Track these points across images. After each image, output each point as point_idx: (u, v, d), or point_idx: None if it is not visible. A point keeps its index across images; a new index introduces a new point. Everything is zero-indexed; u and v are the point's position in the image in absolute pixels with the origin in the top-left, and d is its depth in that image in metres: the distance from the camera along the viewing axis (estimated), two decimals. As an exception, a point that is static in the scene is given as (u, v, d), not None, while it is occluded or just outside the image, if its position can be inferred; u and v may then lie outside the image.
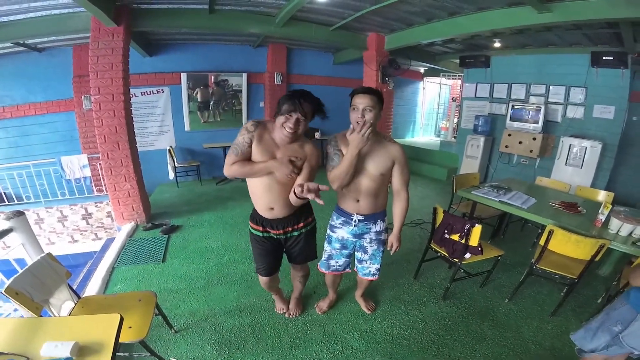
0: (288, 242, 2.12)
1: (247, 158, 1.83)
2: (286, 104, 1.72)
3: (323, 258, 2.35)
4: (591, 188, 4.02)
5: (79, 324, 1.45)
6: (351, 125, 1.85)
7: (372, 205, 2.05)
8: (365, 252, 2.23)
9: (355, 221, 2.09)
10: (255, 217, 2.03)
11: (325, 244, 2.31)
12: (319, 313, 2.62)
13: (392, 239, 2.14)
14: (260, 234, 2.05)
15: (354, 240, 2.19)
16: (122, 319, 1.38)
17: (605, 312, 1.71)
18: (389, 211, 2.13)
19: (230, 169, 1.83)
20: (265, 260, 2.13)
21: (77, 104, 5.73)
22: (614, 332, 1.62)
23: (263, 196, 1.91)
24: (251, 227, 2.08)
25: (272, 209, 1.94)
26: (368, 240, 2.18)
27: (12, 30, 3.95)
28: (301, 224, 2.07)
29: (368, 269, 2.30)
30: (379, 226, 2.15)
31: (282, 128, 1.76)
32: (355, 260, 2.34)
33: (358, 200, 2.03)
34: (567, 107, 5.53)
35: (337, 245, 2.24)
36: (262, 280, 2.26)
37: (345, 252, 2.26)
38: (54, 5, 3.64)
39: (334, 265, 2.33)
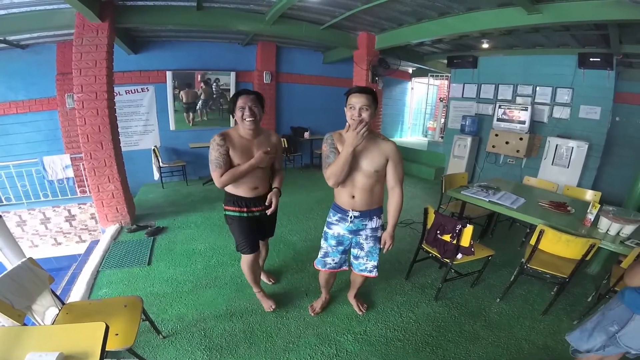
0: (265, 217, 2.39)
1: (230, 166, 2.13)
2: (234, 102, 2.10)
3: (319, 255, 2.35)
4: (578, 187, 4.07)
5: (63, 333, 1.38)
6: (347, 124, 1.92)
7: (367, 201, 2.06)
8: (362, 248, 2.24)
9: (350, 217, 2.10)
10: (236, 201, 2.28)
11: (322, 241, 2.32)
12: (312, 315, 2.59)
13: (386, 236, 2.15)
14: (245, 215, 2.30)
15: (350, 236, 2.19)
16: (107, 328, 1.31)
17: (601, 312, 1.72)
18: (386, 210, 2.15)
19: (221, 181, 2.11)
20: (250, 238, 2.33)
21: (60, 102, 5.56)
22: (610, 332, 1.63)
23: (248, 179, 2.21)
24: (230, 211, 2.30)
25: (257, 188, 2.27)
26: (364, 236, 2.19)
27: (-6, 26, 3.80)
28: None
29: (364, 265, 2.30)
30: (374, 222, 2.16)
31: (243, 121, 2.09)
32: (351, 257, 2.34)
33: (353, 197, 2.05)
34: (553, 107, 5.62)
35: (333, 242, 2.24)
36: (248, 259, 2.38)
37: (340, 248, 2.25)
38: (38, 1, 3.53)
39: (330, 263, 2.32)
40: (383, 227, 2.21)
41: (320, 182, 6.13)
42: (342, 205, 2.10)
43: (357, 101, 1.83)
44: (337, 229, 2.18)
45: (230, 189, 2.25)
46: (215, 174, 2.10)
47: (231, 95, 2.17)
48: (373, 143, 1.98)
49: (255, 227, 2.36)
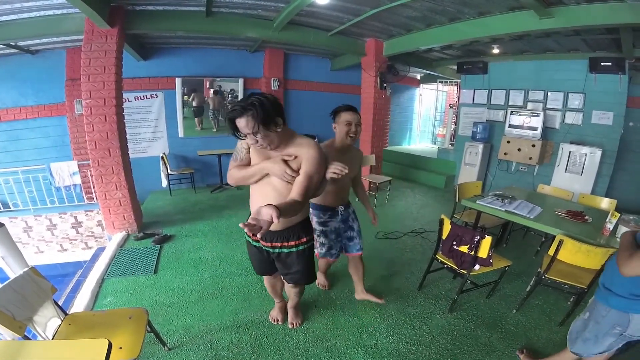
0: (277, 257, 2.01)
1: (247, 164, 1.84)
2: (231, 129, 1.63)
3: (324, 251, 2.59)
4: (594, 195, 3.97)
5: (65, 348, 1.34)
6: (336, 137, 2.30)
7: (347, 196, 2.57)
8: (353, 229, 2.61)
9: (340, 211, 2.52)
10: None
11: (322, 239, 2.55)
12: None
13: (372, 213, 2.69)
14: (251, 241, 2.04)
15: (343, 226, 2.59)
16: (110, 345, 1.25)
17: (593, 320, 1.70)
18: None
19: (230, 174, 1.86)
20: (256, 264, 2.19)
21: (69, 108, 5.58)
22: (616, 334, 1.63)
23: (258, 204, 1.67)
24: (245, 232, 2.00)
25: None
26: (351, 220, 2.61)
27: (4, 31, 3.84)
28: (292, 242, 1.94)
29: (358, 244, 2.64)
30: (351, 207, 2.65)
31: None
32: (346, 241, 2.64)
33: (342, 197, 2.51)
34: (565, 113, 5.51)
35: (333, 236, 2.56)
36: (264, 278, 2.37)
37: (339, 238, 2.62)
38: (48, 6, 3.54)
39: (335, 253, 2.63)
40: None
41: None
42: (330, 204, 2.46)
43: (352, 118, 2.23)
44: (333, 223, 2.53)
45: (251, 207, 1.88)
46: (230, 165, 1.87)
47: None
48: (355, 153, 2.50)
49: (261, 258, 2.06)
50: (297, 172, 1.70)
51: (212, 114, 6.57)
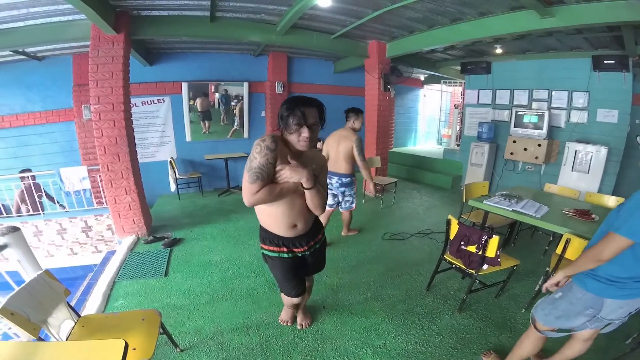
0: (311, 256, 2.03)
1: (270, 181, 1.63)
2: (291, 117, 1.57)
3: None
4: (600, 194, 3.95)
5: (82, 349, 1.36)
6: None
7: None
8: (345, 195, 3.80)
9: (338, 183, 3.72)
10: (273, 240, 1.89)
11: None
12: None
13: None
14: (285, 255, 1.92)
15: (341, 190, 3.76)
16: (127, 346, 1.28)
17: (567, 301, 1.71)
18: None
19: (253, 198, 1.60)
20: (294, 281, 2.02)
21: (77, 113, 5.66)
22: (589, 314, 1.66)
23: (285, 215, 1.78)
24: (268, 251, 1.93)
25: (295, 226, 1.83)
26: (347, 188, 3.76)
27: (11, 38, 3.89)
28: (320, 236, 2.06)
29: (349, 204, 3.87)
30: (347, 179, 3.70)
31: (298, 143, 1.63)
32: (342, 202, 3.85)
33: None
34: (570, 112, 5.49)
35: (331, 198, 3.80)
36: (293, 301, 2.15)
37: (336, 199, 3.85)
38: (54, 12, 3.58)
39: (332, 206, 3.86)
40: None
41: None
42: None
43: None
44: (335, 191, 3.76)
45: (265, 223, 1.87)
46: (251, 187, 1.58)
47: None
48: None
49: (299, 268, 2.01)
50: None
51: (219, 117, 6.62)
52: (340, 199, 3.82)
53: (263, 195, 1.60)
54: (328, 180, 3.15)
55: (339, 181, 3.69)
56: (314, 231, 1.98)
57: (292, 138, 1.63)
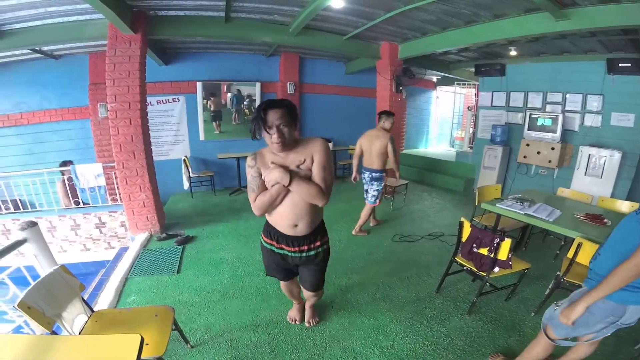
0: (302, 261, 2.05)
1: (265, 189, 1.82)
2: (254, 122, 1.70)
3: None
4: (614, 199, 3.89)
5: (97, 343, 1.38)
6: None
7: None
8: (367, 191, 4.17)
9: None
10: (270, 232, 2.00)
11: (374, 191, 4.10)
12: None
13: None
14: (275, 249, 2.03)
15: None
16: (142, 340, 1.31)
17: (588, 310, 1.61)
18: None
19: (255, 206, 1.84)
20: (276, 271, 2.17)
21: (92, 111, 5.77)
22: (608, 322, 1.63)
23: (287, 214, 1.86)
24: (264, 241, 2.07)
25: (296, 226, 1.90)
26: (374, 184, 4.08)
27: (29, 37, 3.98)
28: (318, 243, 2.03)
29: (375, 199, 4.16)
30: (375, 174, 4.05)
31: (272, 144, 1.72)
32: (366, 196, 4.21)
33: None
34: (584, 115, 5.41)
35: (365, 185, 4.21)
36: (281, 283, 2.35)
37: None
38: (71, 11, 3.66)
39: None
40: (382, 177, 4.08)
41: (344, 195, 6.12)
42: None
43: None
44: (366, 186, 4.17)
45: (270, 219, 1.97)
46: (250, 199, 1.84)
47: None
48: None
49: (284, 265, 2.10)
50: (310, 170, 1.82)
51: (232, 116, 6.66)
52: (366, 194, 4.19)
53: (260, 202, 1.81)
54: (362, 175, 4.16)
55: (370, 175, 4.06)
56: (313, 236, 2.00)
57: (268, 141, 1.73)
